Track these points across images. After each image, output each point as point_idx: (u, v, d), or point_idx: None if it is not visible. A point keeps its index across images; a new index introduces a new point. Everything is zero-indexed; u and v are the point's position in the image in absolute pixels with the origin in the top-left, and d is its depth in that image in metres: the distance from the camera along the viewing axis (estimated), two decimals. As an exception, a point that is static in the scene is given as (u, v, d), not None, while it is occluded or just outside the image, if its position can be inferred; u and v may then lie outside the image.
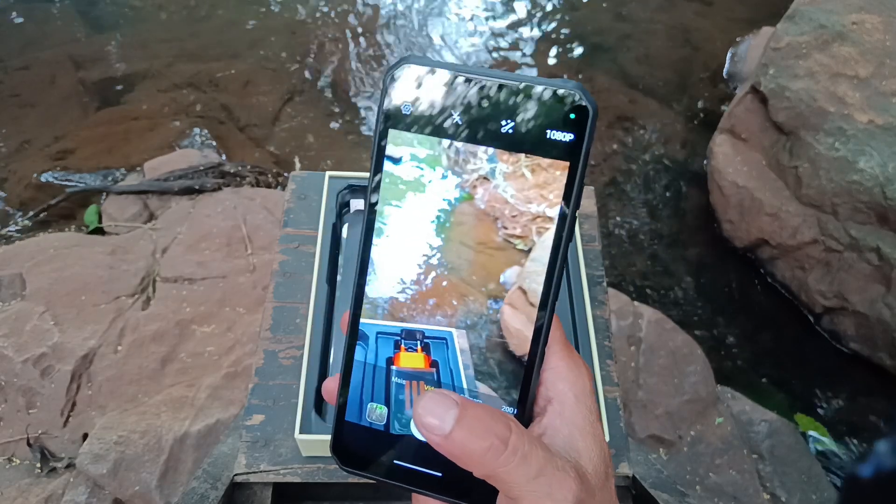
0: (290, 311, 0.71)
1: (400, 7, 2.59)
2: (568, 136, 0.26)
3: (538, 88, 0.26)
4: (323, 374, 0.64)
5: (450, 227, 0.29)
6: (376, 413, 0.29)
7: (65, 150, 1.96)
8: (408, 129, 0.27)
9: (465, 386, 0.29)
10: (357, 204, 0.76)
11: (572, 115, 0.26)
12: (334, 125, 2.17)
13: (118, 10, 2.48)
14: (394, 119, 0.27)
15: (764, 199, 1.75)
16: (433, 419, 0.24)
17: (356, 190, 0.75)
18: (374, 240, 0.29)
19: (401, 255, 0.29)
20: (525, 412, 0.28)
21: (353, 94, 2.26)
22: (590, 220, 0.81)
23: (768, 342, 1.74)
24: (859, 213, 1.58)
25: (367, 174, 0.76)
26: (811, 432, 1.54)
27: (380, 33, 2.48)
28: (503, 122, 0.26)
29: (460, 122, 0.27)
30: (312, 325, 0.65)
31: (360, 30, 2.48)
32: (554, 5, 2.64)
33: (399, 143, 0.28)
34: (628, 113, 2.25)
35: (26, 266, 1.45)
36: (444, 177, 0.28)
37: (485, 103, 0.26)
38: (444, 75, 0.27)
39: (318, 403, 0.62)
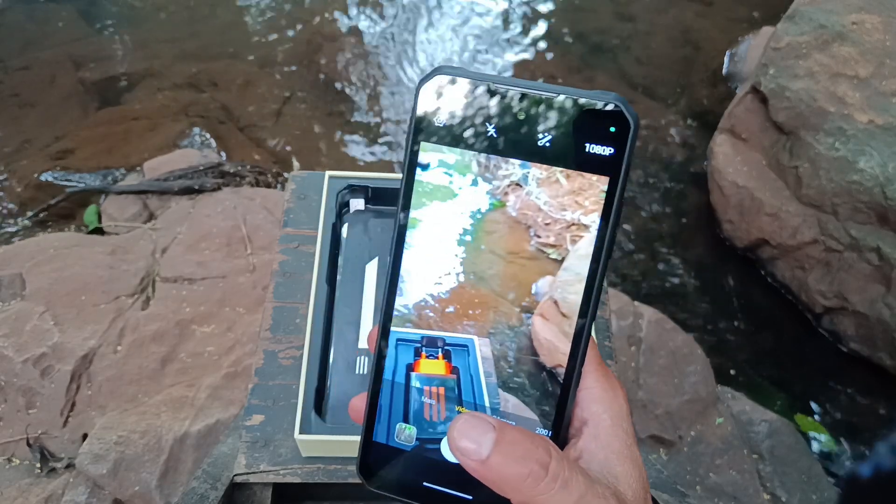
0: (290, 311, 0.71)
1: (398, 6, 2.59)
2: (608, 150, 0.25)
3: (577, 100, 0.25)
4: (323, 374, 0.63)
5: (480, 236, 0.28)
6: (405, 434, 0.28)
7: (65, 150, 1.96)
8: (440, 142, 0.26)
9: (485, 393, 0.28)
10: (357, 204, 0.76)
11: (613, 129, 0.25)
12: (334, 125, 2.17)
13: (118, 10, 2.48)
14: (426, 131, 0.26)
15: (764, 199, 1.75)
16: (469, 443, 0.23)
17: (356, 190, 0.75)
18: (402, 250, 0.28)
19: (428, 266, 0.28)
20: (560, 435, 0.27)
21: (354, 93, 2.26)
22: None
23: (768, 342, 1.74)
24: (859, 213, 1.58)
25: (366, 174, 0.76)
26: (811, 432, 1.54)
27: (380, 33, 2.48)
28: (540, 136, 0.25)
29: (495, 135, 0.26)
30: (312, 325, 0.65)
31: (360, 29, 2.48)
32: (554, 5, 2.64)
33: (427, 149, 0.27)
34: (628, 113, 2.25)
35: (26, 266, 1.45)
36: (474, 183, 0.27)
37: (521, 115, 0.25)
38: (478, 86, 0.26)
39: (318, 404, 0.61)
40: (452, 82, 0.26)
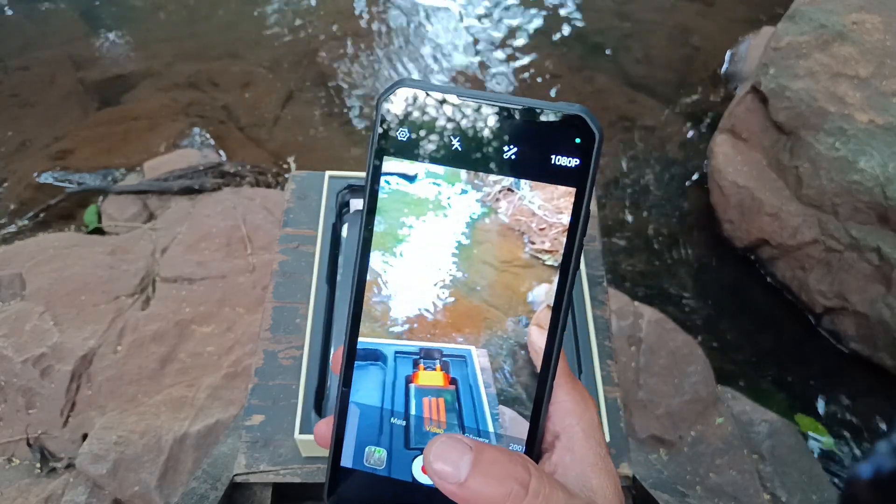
0: (290, 311, 0.70)
1: (399, 7, 2.59)
2: (574, 162, 0.25)
3: (542, 112, 0.25)
4: (323, 374, 0.63)
5: (470, 246, 0.27)
6: (374, 457, 0.28)
7: (65, 150, 1.96)
8: (404, 157, 0.26)
9: (485, 403, 0.28)
10: (357, 204, 0.76)
11: (578, 140, 0.25)
12: (334, 124, 2.17)
13: (118, 9, 2.47)
14: (389, 146, 0.26)
15: (764, 198, 1.75)
16: (446, 466, 0.23)
17: (356, 190, 0.75)
18: (388, 264, 0.27)
19: (417, 279, 0.27)
20: (534, 450, 0.27)
21: (353, 93, 2.26)
22: (590, 220, 0.80)
23: (768, 342, 1.74)
24: (860, 213, 1.58)
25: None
26: (811, 432, 1.54)
27: (379, 32, 2.48)
28: (505, 148, 0.25)
29: (460, 149, 0.25)
30: (312, 325, 0.65)
31: (360, 29, 2.48)
32: (554, 4, 2.64)
33: (390, 164, 0.26)
34: (628, 113, 2.25)
35: (26, 266, 1.45)
36: (463, 192, 0.26)
37: (486, 128, 0.25)
38: (442, 98, 0.25)
39: (318, 404, 0.61)
40: (414, 95, 0.25)
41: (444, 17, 2.58)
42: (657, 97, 2.31)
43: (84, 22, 2.40)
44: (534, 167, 0.25)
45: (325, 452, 0.65)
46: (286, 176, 1.93)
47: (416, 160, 0.26)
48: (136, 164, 1.90)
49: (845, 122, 1.60)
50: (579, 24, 2.56)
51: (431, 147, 0.26)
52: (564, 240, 0.26)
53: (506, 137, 0.25)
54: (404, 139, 0.26)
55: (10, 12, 2.37)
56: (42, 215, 1.78)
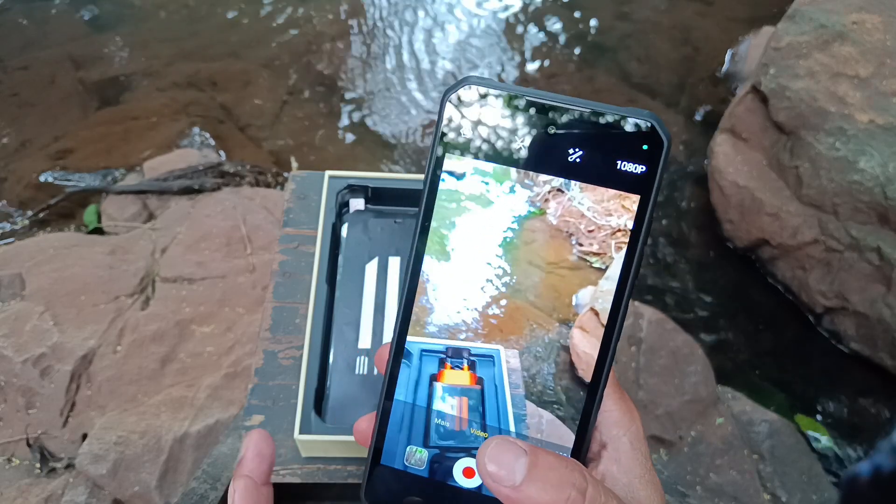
0: (290, 311, 0.70)
1: (399, 7, 2.59)
2: (640, 168, 0.24)
3: (610, 116, 0.24)
4: (323, 374, 0.63)
5: (517, 246, 0.27)
6: (415, 457, 0.27)
7: (64, 150, 1.96)
8: (466, 154, 0.26)
9: (509, 404, 0.27)
10: (357, 204, 0.76)
11: (645, 147, 0.24)
12: (334, 124, 2.17)
13: (118, 9, 2.47)
14: (452, 144, 0.26)
15: (764, 198, 1.75)
16: (500, 469, 0.22)
17: (356, 189, 0.75)
18: (434, 262, 0.27)
19: (462, 278, 0.27)
20: (581, 459, 0.27)
21: (354, 92, 2.26)
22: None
23: (769, 342, 1.74)
24: (860, 213, 1.58)
25: (366, 174, 0.76)
26: (811, 432, 1.54)
27: (380, 32, 2.48)
28: (571, 151, 0.25)
29: (523, 149, 0.25)
30: (312, 326, 0.65)
31: (360, 28, 2.48)
32: (553, 4, 2.64)
33: (452, 161, 0.26)
34: (628, 113, 2.25)
35: (26, 266, 1.45)
36: (512, 191, 0.26)
37: (552, 130, 0.25)
38: (508, 98, 0.25)
39: (318, 404, 0.61)
40: (480, 93, 0.25)
41: (445, 17, 2.58)
42: (657, 97, 2.31)
43: (84, 22, 2.40)
44: (599, 171, 0.25)
45: (325, 452, 0.65)
46: (286, 175, 1.93)
47: (479, 158, 0.26)
48: (136, 164, 1.90)
49: (845, 122, 1.60)
50: (579, 24, 2.56)
51: (495, 145, 0.26)
52: (612, 242, 0.26)
53: (571, 140, 0.25)
54: (468, 136, 0.26)
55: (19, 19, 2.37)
56: (42, 215, 1.78)
